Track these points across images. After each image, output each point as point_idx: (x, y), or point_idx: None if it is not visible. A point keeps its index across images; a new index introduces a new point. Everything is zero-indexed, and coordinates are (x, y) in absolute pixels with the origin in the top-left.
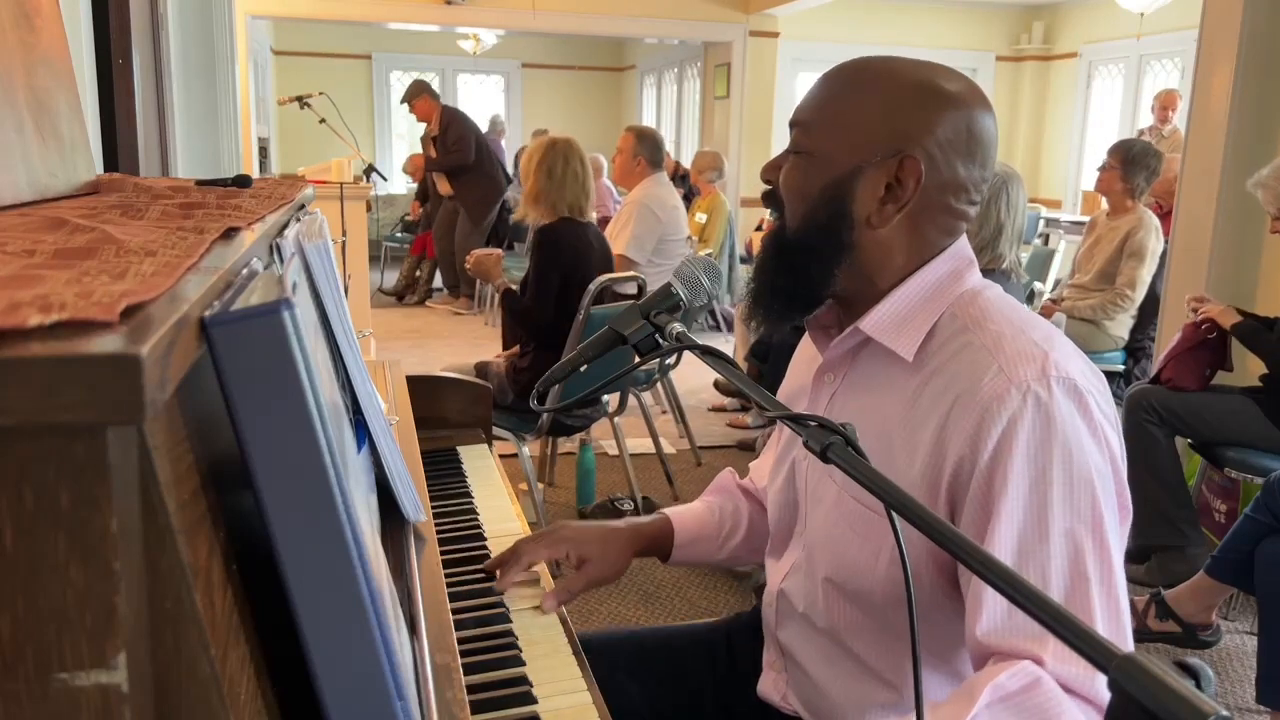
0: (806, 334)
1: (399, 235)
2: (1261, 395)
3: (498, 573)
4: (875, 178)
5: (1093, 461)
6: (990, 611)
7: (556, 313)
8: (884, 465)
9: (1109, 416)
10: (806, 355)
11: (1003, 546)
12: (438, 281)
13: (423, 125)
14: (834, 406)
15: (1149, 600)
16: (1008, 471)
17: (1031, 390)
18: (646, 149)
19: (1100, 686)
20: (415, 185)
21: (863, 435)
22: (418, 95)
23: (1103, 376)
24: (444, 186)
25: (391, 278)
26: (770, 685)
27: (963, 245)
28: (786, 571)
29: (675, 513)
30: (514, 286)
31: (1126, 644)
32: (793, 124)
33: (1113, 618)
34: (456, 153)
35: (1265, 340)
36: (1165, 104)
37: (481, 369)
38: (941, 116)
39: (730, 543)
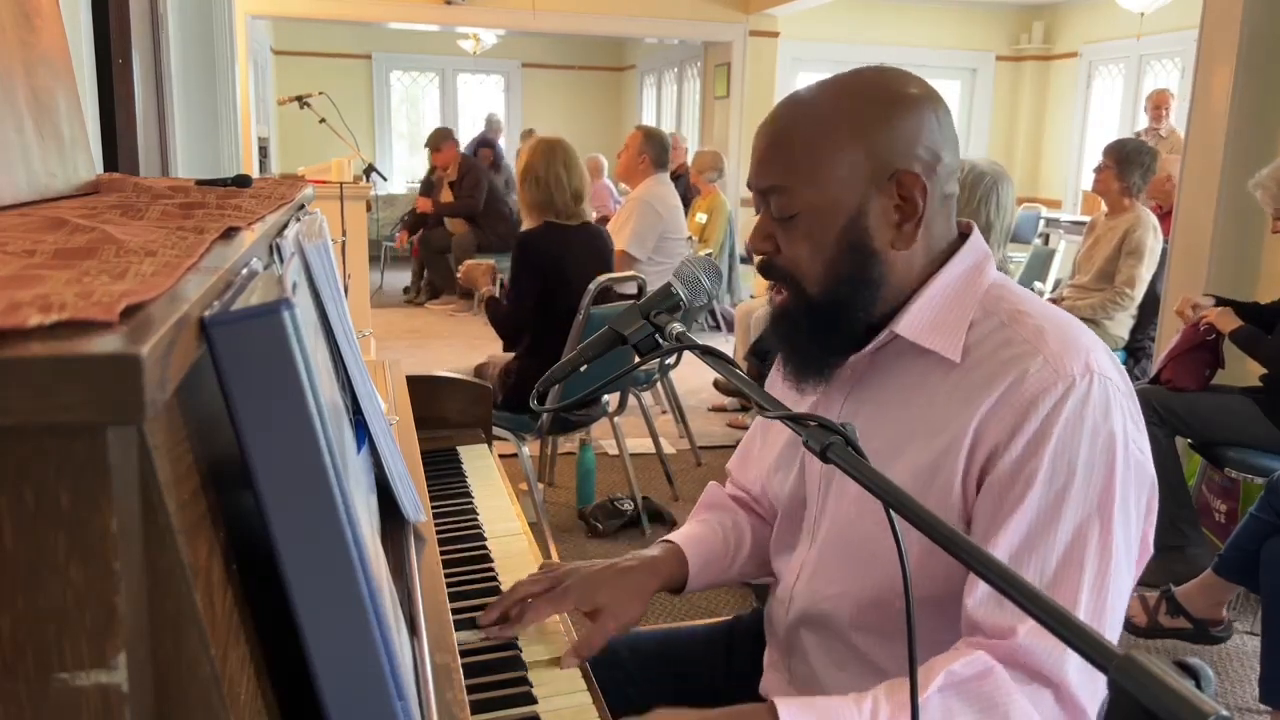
0: None
1: (399, 235)
2: (1261, 395)
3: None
4: (883, 205)
5: (1118, 459)
6: (983, 588)
7: (539, 317)
8: (910, 460)
9: (1136, 416)
10: None
11: (1015, 530)
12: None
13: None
14: (850, 404)
15: (1160, 597)
16: (1038, 462)
17: (1075, 384)
18: (652, 148)
19: (1067, 668)
20: (409, 215)
21: (886, 429)
22: (445, 140)
23: (1126, 374)
24: (458, 226)
25: (391, 278)
26: (773, 684)
27: (978, 240)
28: (797, 571)
29: (683, 539)
30: (498, 294)
31: (1109, 638)
32: (767, 190)
33: (1097, 610)
34: (470, 200)
35: (1265, 346)
36: (1158, 104)
37: (479, 370)
38: (914, 120)
39: (738, 560)
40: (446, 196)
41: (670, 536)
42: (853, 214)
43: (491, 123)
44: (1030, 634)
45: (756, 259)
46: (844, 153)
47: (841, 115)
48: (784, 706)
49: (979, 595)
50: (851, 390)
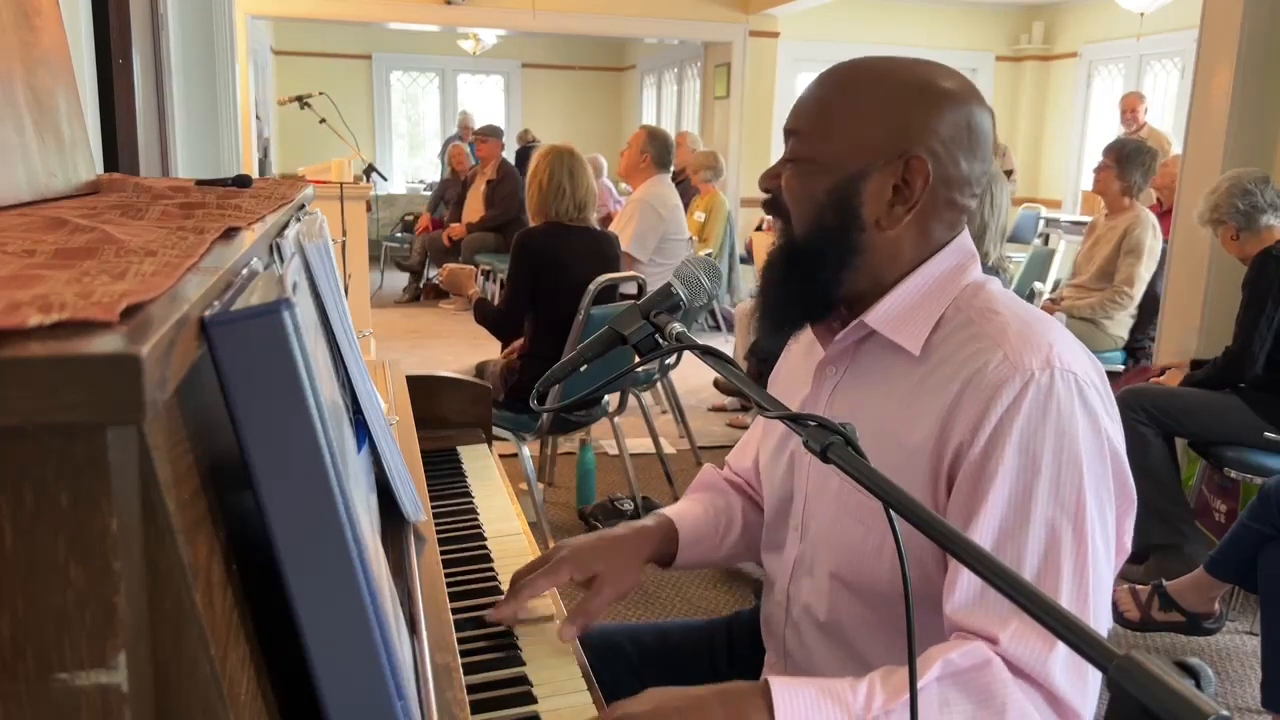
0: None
1: (399, 235)
2: (1250, 392)
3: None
4: (882, 179)
5: (1086, 454)
6: (963, 590)
7: (540, 316)
8: (884, 457)
9: (1109, 410)
10: (802, 343)
11: (984, 529)
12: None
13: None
14: (836, 399)
15: (1152, 591)
16: (1001, 456)
17: (1035, 378)
18: (655, 148)
19: (1052, 671)
20: (426, 208)
21: (865, 427)
22: (494, 135)
23: (1103, 370)
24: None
25: (391, 278)
26: None
27: (965, 239)
28: (790, 569)
29: (675, 513)
30: (486, 297)
31: None
32: (789, 131)
33: (1079, 611)
34: (502, 209)
35: (1201, 380)
36: (1130, 107)
37: (480, 369)
38: (942, 114)
39: (728, 540)
40: (478, 193)
41: (663, 510)
42: (852, 175)
43: (463, 122)
44: (1013, 639)
45: (764, 195)
46: (866, 118)
47: (887, 88)
48: (777, 685)
49: (958, 600)
50: (837, 386)
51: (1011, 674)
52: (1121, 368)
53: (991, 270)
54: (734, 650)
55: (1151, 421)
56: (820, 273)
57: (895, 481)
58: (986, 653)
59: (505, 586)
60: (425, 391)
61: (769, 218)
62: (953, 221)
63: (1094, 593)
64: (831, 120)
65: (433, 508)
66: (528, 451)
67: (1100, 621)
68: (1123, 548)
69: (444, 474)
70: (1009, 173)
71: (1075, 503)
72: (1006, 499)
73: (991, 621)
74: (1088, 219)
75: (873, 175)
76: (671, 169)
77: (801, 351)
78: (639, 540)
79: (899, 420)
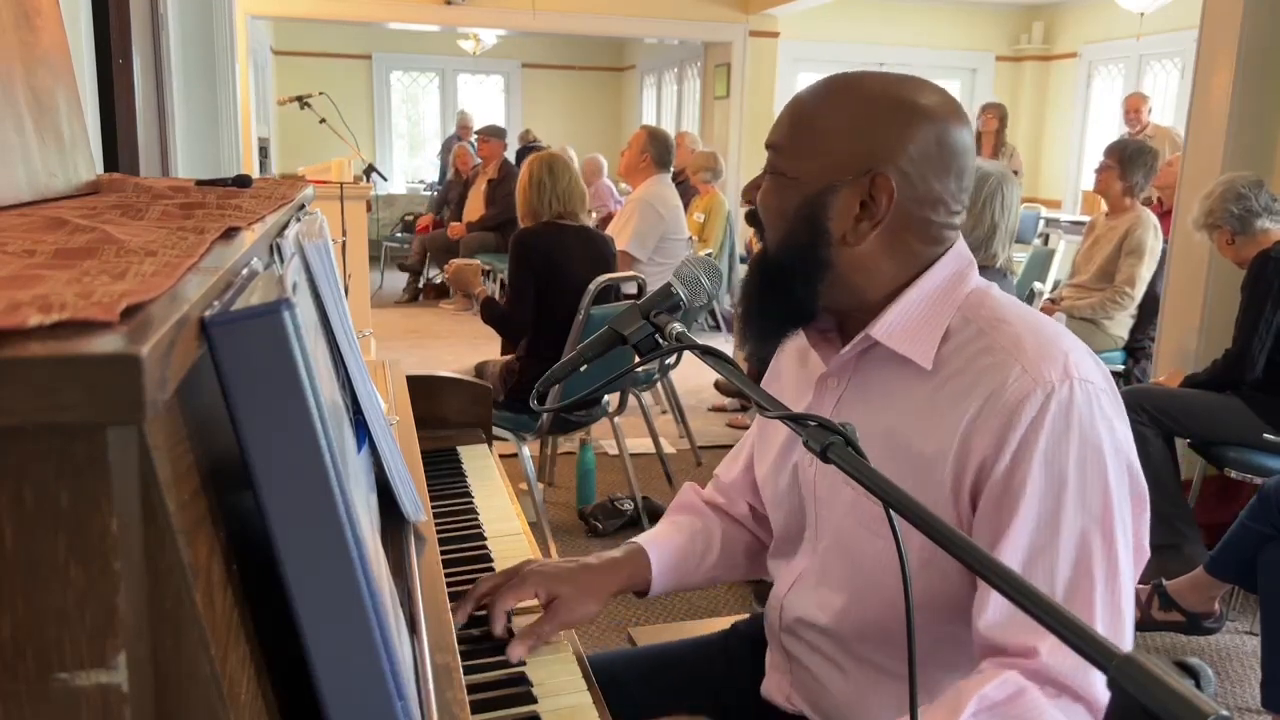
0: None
1: (399, 235)
2: (1250, 393)
3: (492, 622)
4: (849, 196)
5: (1109, 463)
6: (994, 606)
7: (538, 316)
8: (898, 471)
9: (1121, 416)
10: (793, 354)
11: (1017, 543)
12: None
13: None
14: (841, 412)
15: (1151, 591)
16: (1027, 470)
17: (1055, 391)
18: (655, 148)
19: (1094, 682)
20: (428, 206)
21: (876, 440)
22: (496, 136)
23: (1109, 373)
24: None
25: (391, 278)
26: (774, 686)
27: (962, 247)
28: (796, 578)
29: (650, 540)
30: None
31: (1125, 644)
32: (769, 146)
33: (1113, 618)
34: (503, 207)
35: (1211, 378)
36: (1134, 107)
37: (480, 369)
38: (913, 132)
39: (705, 564)
40: (479, 192)
41: (637, 538)
42: (820, 190)
43: (463, 120)
44: (1053, 652)
45: (745, 209)
46: (836, 135)
47: (858, 104)
48: None
49: (990, 616)
50: (841, 397)
51: (1050, 695)
52: (1121, 368)
53: (999, 272)
54: (731, 660)
55: (1152, 422)
56: (794, 287)
57: (913, 495)
58: (1020, 681)
59: None
60: (425, 391)
61: (754, 238)
62: (932, 238)
63: (1125, 598)
64: (804, 136)
65: (433, 508)
66: (528, 451)
67: (1130, 623)
68: (1141, 549)
69: (444, 474)
70: (1015, 173)
71: (1102, 511)
72: (1036, 514)
73: (1028, 635)
74: (1087, 219)
75: (840, 191)
76: (671, 169)
77: (794, 363)
78: (606, 572)
79: (912, 434)
